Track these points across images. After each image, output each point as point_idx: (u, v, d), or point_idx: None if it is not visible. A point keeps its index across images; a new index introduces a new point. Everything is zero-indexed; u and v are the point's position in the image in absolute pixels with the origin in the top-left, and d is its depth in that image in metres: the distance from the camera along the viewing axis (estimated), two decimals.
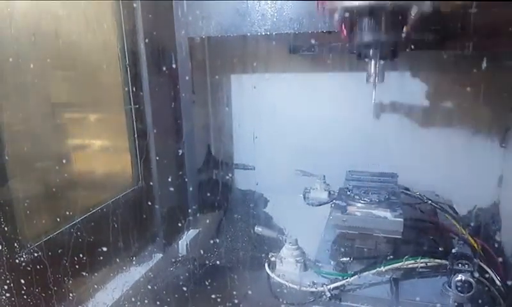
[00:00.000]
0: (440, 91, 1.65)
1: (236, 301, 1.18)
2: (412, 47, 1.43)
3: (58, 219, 1.12)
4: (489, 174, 1.60)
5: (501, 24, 1.24)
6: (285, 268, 1.24)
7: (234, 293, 1.22)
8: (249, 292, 1.23)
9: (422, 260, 1.12)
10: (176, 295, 1.27)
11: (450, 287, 1.06)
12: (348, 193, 1.31)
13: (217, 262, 1.50)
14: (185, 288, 1.30)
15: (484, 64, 1.40)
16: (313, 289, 1.14)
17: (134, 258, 1.38)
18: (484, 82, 1.49)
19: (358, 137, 1.72)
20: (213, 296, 1.22)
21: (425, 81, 1.66)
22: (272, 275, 1.22)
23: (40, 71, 1.07)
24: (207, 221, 1.70)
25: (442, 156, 1.65)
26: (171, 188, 1.50)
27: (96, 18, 1.22)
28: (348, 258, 1.19)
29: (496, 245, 1.38)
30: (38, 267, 1.03)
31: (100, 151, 1.34)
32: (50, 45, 1.09)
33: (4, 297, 0.96)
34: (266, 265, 1.25)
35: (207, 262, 1.46)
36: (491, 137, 1.62)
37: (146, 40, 1.33)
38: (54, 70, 1.13)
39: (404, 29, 1.10)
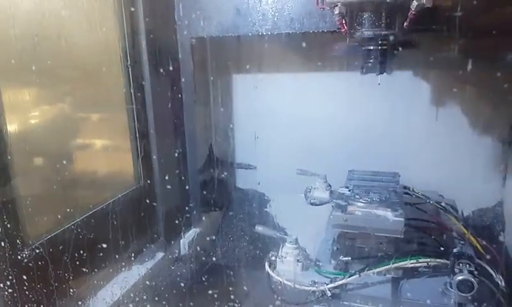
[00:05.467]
0: (443, 88, 1.64)
1: (236, 300, 1.19)
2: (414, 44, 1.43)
3: (62, 217, 1.14)
4: (493, 174, 1.58)
5: (505, 23, 1.23)
6: (286, 268, 1.24)
7: (235, 291, 1.23)
8: (250, 291, 1.23)
9: (423, 260, 1.12)
10: (176, 294, 1.28)
11: (451, 287, 1.05)
12: (349, 192, 1.31)
13: (219, 261, 1.50)
14: (186, 287, 1.31)
15: (488, 62, 1.40)
16: (314, 288, 1.14)
17: (136, 257, 1.39)
18: (489, 80, 1.47)
19: (360, 137, 1.72)
20: (214, 295, 1.22)
21: (427, 79, 1.65)
22: (272, 274, 1.22)
23: (41, 72, 1.08)
24: (209, 221, 1.71)
25: (445, 155, 1.64)
26: (173, 188, 1.50)
27: (98, 18, 1.23)
28: (349, 257, 1.19)
29: (500, 246, 1.37)
30: (40, 264, 1.04)
31: (102, 150, 1.36)
32: (51, 46, 1.10)
33: (6, 293, 0.97)
34: (266, 264, 1.26)
35: (209, 261, 1.47)
36: (495, 136, 1.60)
37: (148, 40, 1.34)
38: (56, 70, 1.14)
39: (405, 25, 1.11)
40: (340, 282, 1.13)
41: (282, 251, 1.26)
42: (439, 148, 1.64)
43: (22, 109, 1.06)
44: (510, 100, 1.46)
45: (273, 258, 1.27)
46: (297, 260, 1.23)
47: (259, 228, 1.39)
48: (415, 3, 1.05)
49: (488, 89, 1.54)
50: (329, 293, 1.13)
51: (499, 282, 1.05)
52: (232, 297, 1.22)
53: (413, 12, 1.07)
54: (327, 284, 1.14)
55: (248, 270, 1.41)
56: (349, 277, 1.13)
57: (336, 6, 1.12)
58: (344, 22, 1.15)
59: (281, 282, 1.19)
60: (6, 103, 0.97)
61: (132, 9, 1.31)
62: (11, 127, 0.99)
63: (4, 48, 0.98)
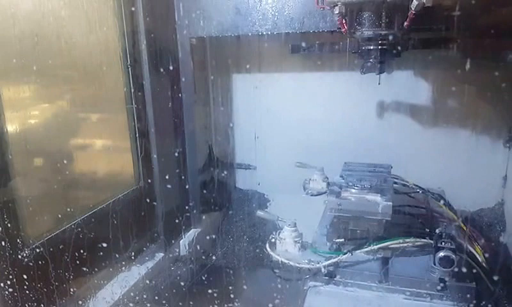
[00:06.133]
0: (443, 90, 1.64)
1: (236, 299, 1.23)
2: (414, 44, 1.42)
3: (62, 217, 1.14)
4: (493, 174, 1.61)
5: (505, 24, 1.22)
6: (285, 248, 1.34)
7: (234, 291, 1.26)
8: (249, 291, 1.28)
9: (409, 240, 1.22)
10: (176, 293, 1.30)
11: (434, 263, 1.16)
12: (343, 180, 1.41)
13: (218, 262, 1.51)
14: (185, 287, 1.34)
15: (489, 64, 1.40)
16: (310, 266, 1.24)
17: (136, 257, 1.39)
18: (489, 82, 1.49)
19: (360, 137, 1.73)
20: (214, 294, 1.27)
21: (428, 80, 1.66)
22: (272, 253, 1.32)
23: (41, 71, 1.08)
24: (209, 221, 1.71)
25: (446, 156, 1.65)
26: (173, 188, 1.50)
27: (98, 18, 1.23)
28: (342, 239, 1.29)
29: (500, 246, 1.41)
30: (40, 263, 1.05)
31: (103, 150, 1.36)
32: (51, 46, 1.10)
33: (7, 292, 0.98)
34: (267, 244, 1.35)
35: (208, 261, 1.49)
36: (495, 137, 1.62)
37: (148, 40, 1.33)
38: (57, 69, 1.14)
39: (405, 24, 1.12)
40: (333, 260, 1.23)
41: (282, 234, 1.36)
42: (441, 148, 1.65)
43: (22, 109, 1.05)
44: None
45: (273, 240, 1.37)
46: (295, 241, 1.33)
47: (260, 213, 1.48)
48: (415, 2, 1.05)
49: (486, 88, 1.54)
50: (324, 270, 1.23)
51: (478, 257, 1.16)
52: (232, 296, 1.25)
53: (413, 12, 1.07)
54: (322, 263, 1.24)
55: (247, 270, 1.45)
56: (342, 255, 1.24)
57: (336, 5, 1.13)
58: (343, 21, 1.16)
59: (280, 261, 1.29)
60: (6, 103, 0.97)
61: (132, 8, 1.30)
62: (12, 127, 0.99)
63: (3, 48, 0.98)
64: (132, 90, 1.36)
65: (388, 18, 1.15)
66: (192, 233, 1.62)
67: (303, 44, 1.61)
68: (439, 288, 1.15)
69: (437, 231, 1.18)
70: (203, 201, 1.69)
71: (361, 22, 1.18)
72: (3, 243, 0.97)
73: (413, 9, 1.08)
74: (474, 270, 1.18)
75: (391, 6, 1.13)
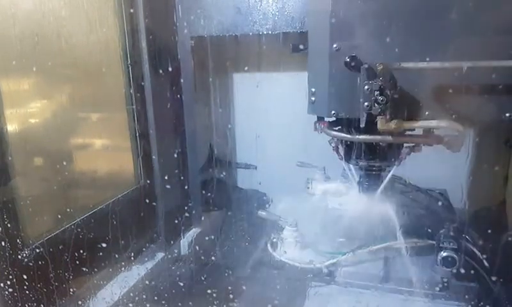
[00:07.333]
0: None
1: (235, 299, 1.24)
2: None
3: (62, 217, 1.14)
4: (494, 173, 1.56)
5: None
6: (286, 248, 1.33)
7: (234, 291, 1.27)
8: (249, 291, 1.27)
9: (410, 240, 1.22)
10: (176, 293, 1.31)
11: (436, 263, 1.15)
12: (345, 180, 1.41)
13: (219, 261, 1.51)
14: (185, 286, 1.34)
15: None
16: (311, 266, 1.24)
17: (136, 257, 1.39)
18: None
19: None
20: (213, 294, 1.27)
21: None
22: (273, 253, 1.32)
23: (42, 72, 1.08)
24: (209, 220, 1.71)
25: (446, 155, 1.63)
26: (173, 188, 1.50)
27: (99, 18, 1.23)
28: (343, 238, 1.29)
29: (501, 246, 1.34)
30: (40, 263, 1.05)
31: (103, 150, 1.35)
32: (51, 46, 1.10)
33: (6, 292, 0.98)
34: (268, 244, 1.35)
35: (209, 261, 1.49)
36: (496, 136, 1.59)
37: (148, 39, 1.33)
38: (57, 69, 1.14)
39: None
40: (334, 260, 1.23)
41: (283, 234, 1.36)
42: (442, 147, 1.62)
43: (22, 109, 1.05)
44: None
45: (274, 240, 1.37)
46: (297, 241, 1.33)
47: (262, 213, 1.48)
48: None
49: None
50: (325, 270, 1.23)
51: (480, 256, 1.15)
52: (232, 296, 1.25)
53: None
54: (323, 263, 1.24)
55: (248, 270, 1.44)
56: (343, 255, 1.23)
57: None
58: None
59: (281, 261, 1.29)
60: (6, 102, 0.97)
61: (132, 8, 1.30)
62: (11, 127, 0.99)
63: (3, 48, 0.98)
64: (132, 89, 1.36)
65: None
66: (192, 232, 1.62)
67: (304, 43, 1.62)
68: (440, 287, 1.15)
69: (440, 231, 1.17)
70: (204, 200, 1.69)
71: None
72: (3, 243, 0.96)
73: None
74: (476, 270, 1.17)
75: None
